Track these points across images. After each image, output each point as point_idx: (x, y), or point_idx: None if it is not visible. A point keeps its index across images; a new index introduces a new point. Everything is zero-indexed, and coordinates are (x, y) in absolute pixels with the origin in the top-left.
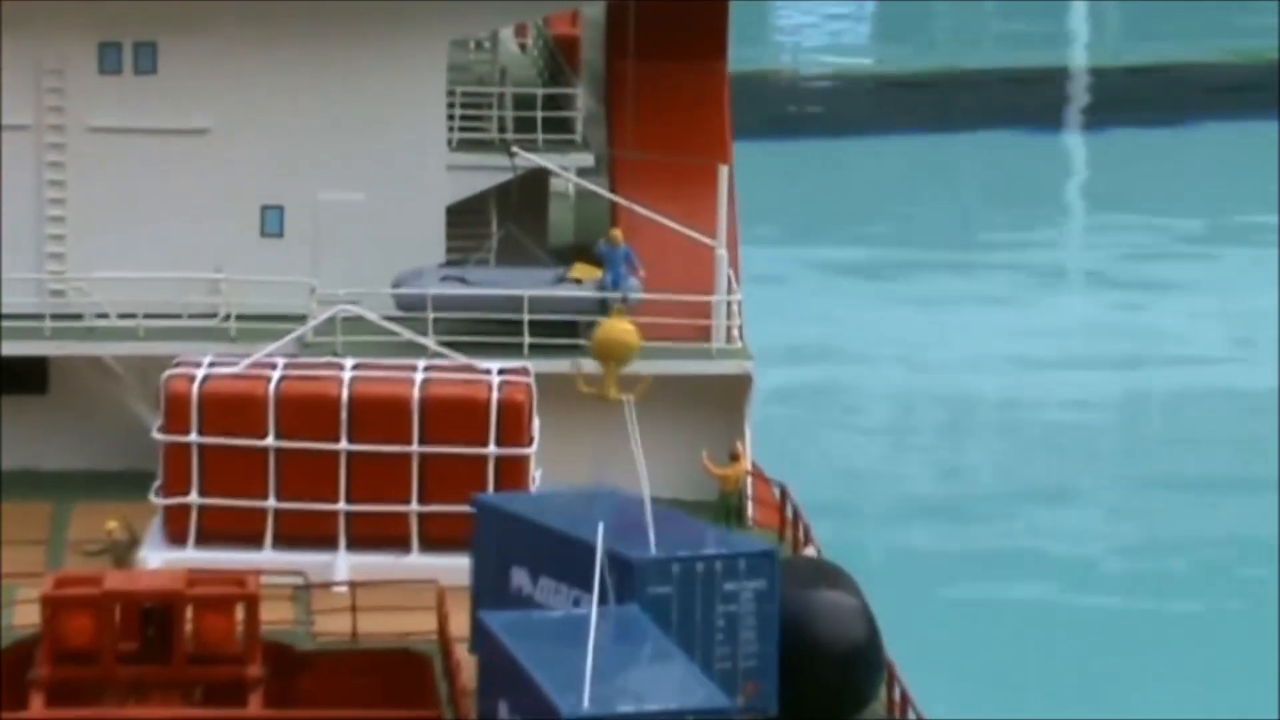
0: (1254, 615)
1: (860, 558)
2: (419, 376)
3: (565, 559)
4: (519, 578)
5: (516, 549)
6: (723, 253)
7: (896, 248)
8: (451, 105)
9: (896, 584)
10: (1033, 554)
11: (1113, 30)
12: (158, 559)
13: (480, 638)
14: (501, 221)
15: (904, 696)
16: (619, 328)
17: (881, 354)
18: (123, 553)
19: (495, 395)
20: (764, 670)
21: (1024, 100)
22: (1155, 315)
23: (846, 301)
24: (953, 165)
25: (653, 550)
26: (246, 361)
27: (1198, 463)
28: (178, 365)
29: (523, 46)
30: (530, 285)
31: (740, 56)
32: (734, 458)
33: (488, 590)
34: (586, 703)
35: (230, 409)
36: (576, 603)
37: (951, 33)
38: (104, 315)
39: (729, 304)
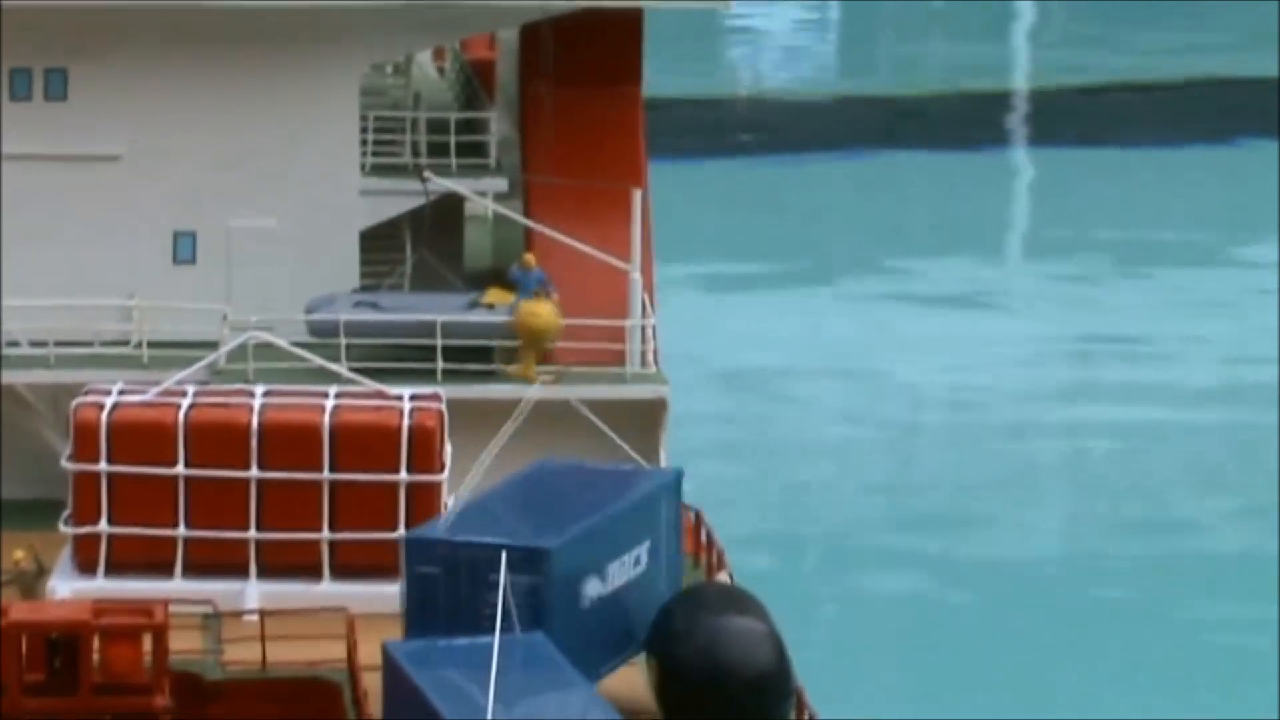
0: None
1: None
2: (330, 403)
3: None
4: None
5: None
6: (637, 276)
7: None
8: (365, 130)
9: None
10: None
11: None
12: (67, 589)
13: (385, 666)
14: (415, 246)
15: None
16: (540, 309)
17: (824, 373)
18: (30, 582)
19: (406, 421)
20: None
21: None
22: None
23: (786, 319)
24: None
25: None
26: (156, 389)
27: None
28: (87, 393)
29: (440, 70)
30: (443, 310)
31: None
32: None
33: None
34: None
35: (140, 437)
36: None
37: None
38: (15, 343)
39: (643, 327)
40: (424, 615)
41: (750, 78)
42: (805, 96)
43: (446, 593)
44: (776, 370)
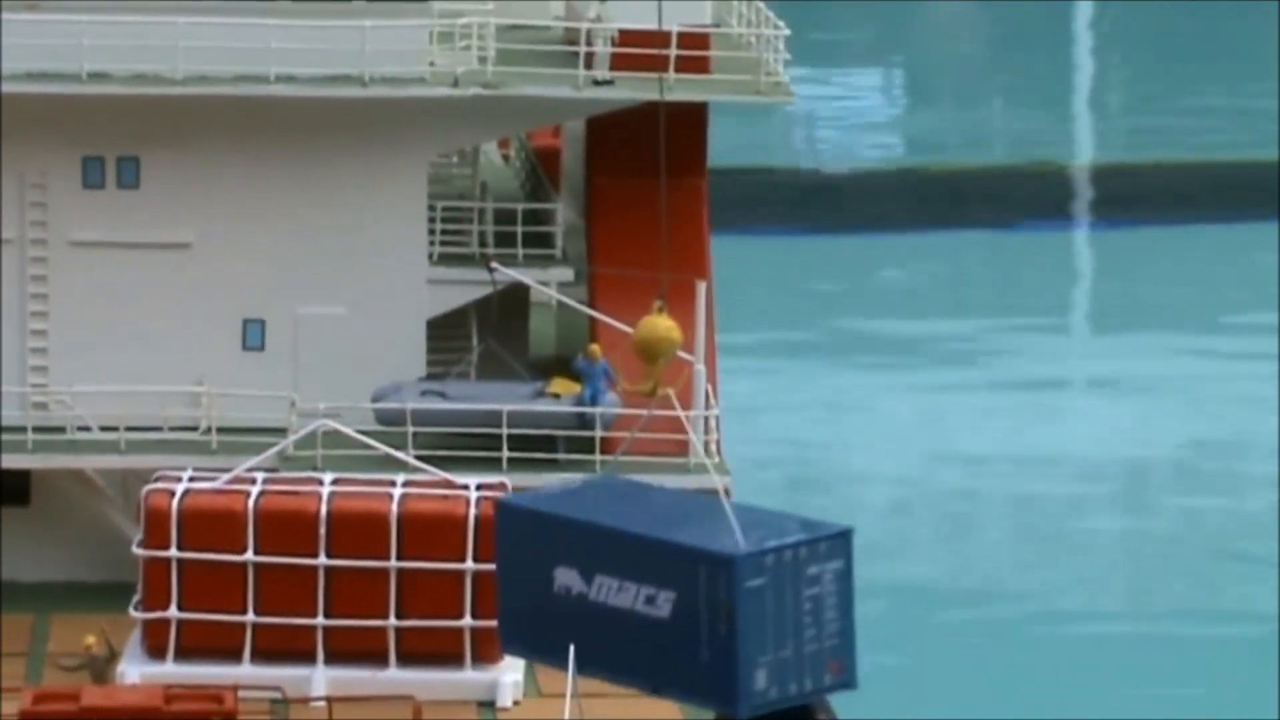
0: None
1: None
2: (397, 492)
3: (627, 555)
4: (566, 578)
5: (560, 549)
6: (701, 368)
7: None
8: (432, 219)
9: None
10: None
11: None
12: (136, 673)
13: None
14: (481, 335)
15: None
16: (660, 324)
17: (881, 453)
18: (101, 667)
19: (473, 510)
20: (845, 648)
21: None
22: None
23: (850, 397)
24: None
25: (741, 543)
26: (226, 476)
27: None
28: (157, 479)
29: (506, 158)
30: (509, 400)
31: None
32: None
33: (523, 595)
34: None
35: (210, 524)
36: (650, 600)
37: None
38: (85, 428)
39: (706, 418)
40: (757, 631)
41: (808, 148)
42: (865, 167)
43: (774, 602)
44: (838, 456)
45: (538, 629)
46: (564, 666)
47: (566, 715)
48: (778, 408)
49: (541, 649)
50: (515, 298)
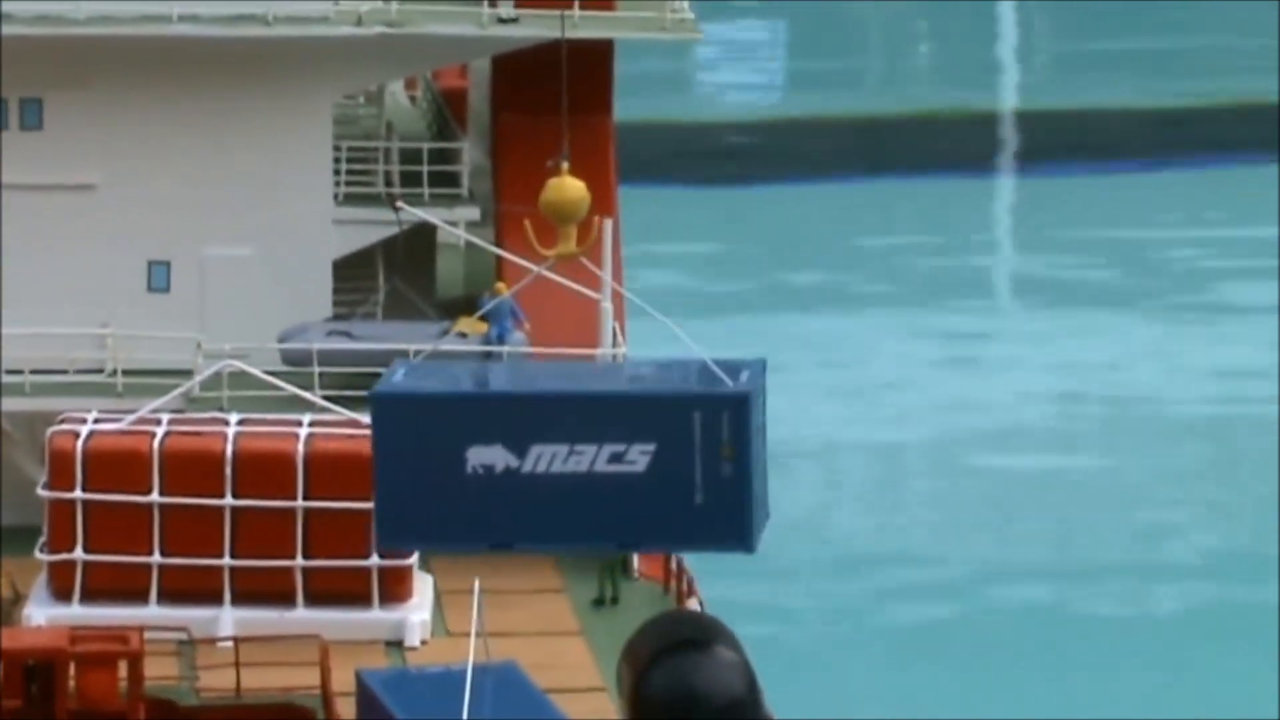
0: None
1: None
2: (303, 432)
3: (581, 417)
4: (483, 456)
5: (471, 429)
6: (607, 305)
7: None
8: (338, 159)
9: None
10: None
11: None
12: (42, 615)
13: (359, 694)
14: (388, 275)
15: None
16: (568, 184)
17: (813, 392)
18: (5, 609)
19: None
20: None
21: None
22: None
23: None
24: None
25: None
26: (131, 418)
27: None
28: (62, 421)
29: (412, 99)
30: (416, 339)
31: (663, 105)
32: None
33: (418, 488)
34: None
35: (115, 465)
36: (618, 457)
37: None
38: None
39: (614, 357)
40: (759, 467)
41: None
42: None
43: (760, 438)
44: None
45: (442, 518)
46: (477, 550)
47: (472, 653)
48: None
49: (449, 537)
50: (422, 238)
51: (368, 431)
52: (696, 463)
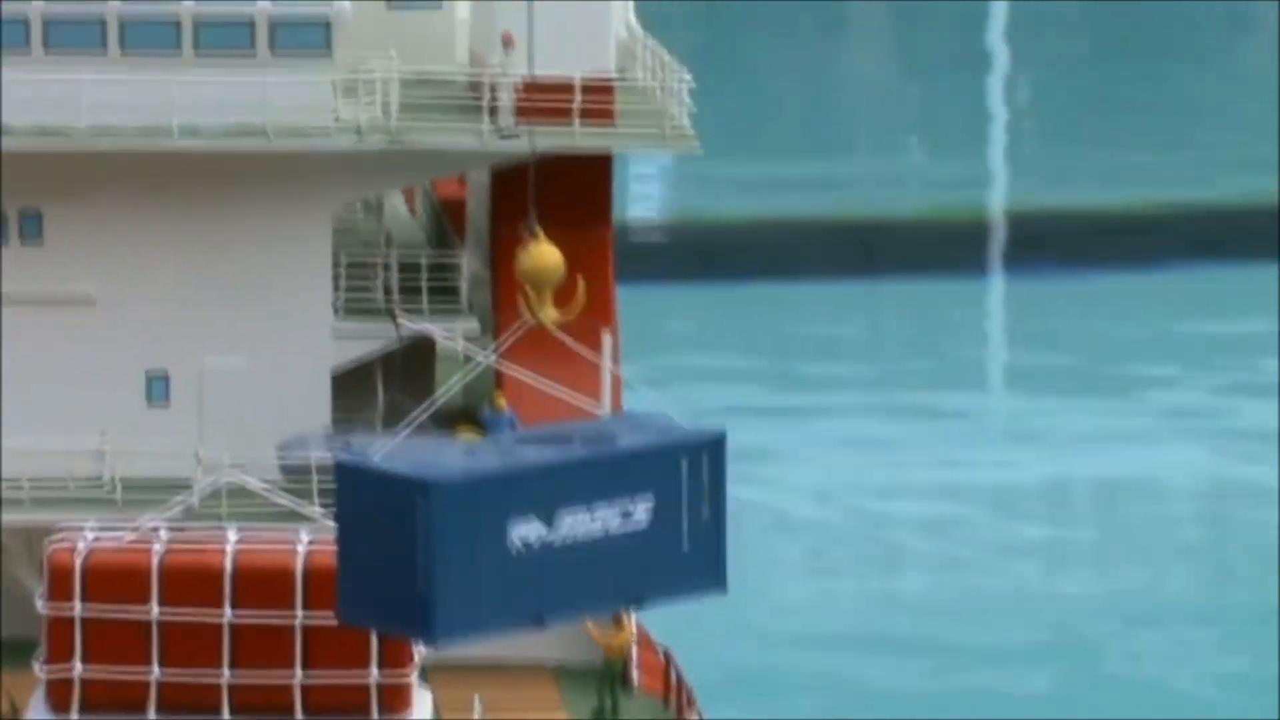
0: None
1: None
2: (302, 546)
3: (595, 478)
4: (523, 530)
5: (508, 504)
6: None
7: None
8: (337, 271)
9: None
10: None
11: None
12: None
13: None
14: (387, 387)
15: None
16: (544, 250)
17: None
18: None
19: None
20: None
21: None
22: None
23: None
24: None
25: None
26: (130, 530)
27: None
28: (61, 534)
29: (411, 209)
30: None
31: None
32: (618, 623)
33: (457, 573)
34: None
35: (114, 580)
36: (627, 514)
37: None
38: None
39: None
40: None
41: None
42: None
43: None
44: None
45: (491, 600)
46: (518, 627)
47: None
48: None
49: (497, 619)
50: (421, 349)
51: None
52: (683, 509)
